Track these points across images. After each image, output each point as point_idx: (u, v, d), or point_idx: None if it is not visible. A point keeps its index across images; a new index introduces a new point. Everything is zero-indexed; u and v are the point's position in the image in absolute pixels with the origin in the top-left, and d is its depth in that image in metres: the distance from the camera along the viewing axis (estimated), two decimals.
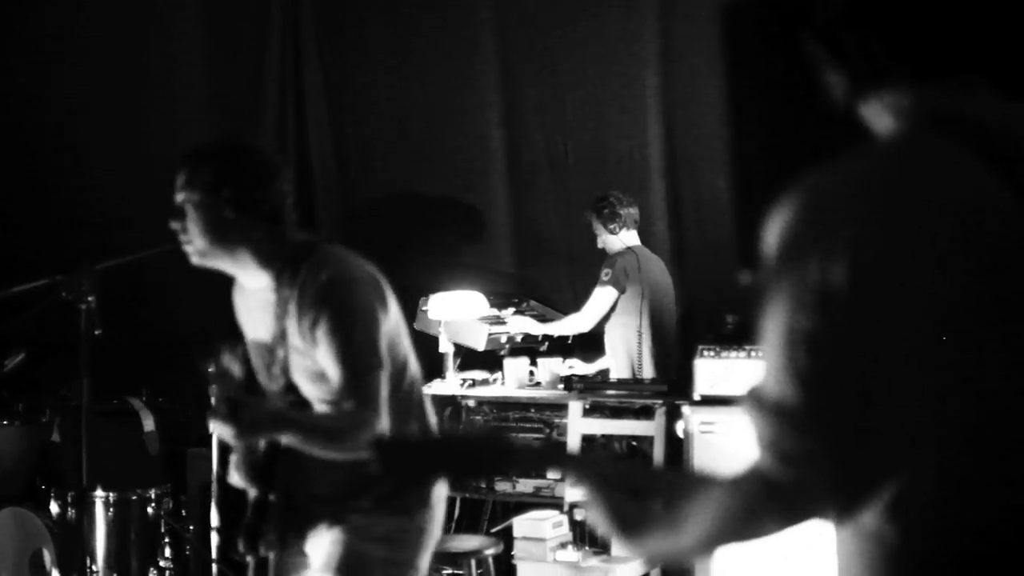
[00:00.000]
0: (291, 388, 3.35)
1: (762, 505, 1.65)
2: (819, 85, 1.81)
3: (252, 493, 3.36)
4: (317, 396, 3.36)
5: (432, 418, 3.62)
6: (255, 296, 3.49)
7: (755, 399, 1.65)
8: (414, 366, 3.53)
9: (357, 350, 3.25)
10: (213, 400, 3.24)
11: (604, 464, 2.16)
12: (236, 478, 3.48)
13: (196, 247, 3.40)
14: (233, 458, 3.51)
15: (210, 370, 3.21)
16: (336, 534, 3.46)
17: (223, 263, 3.44)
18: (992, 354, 1.57)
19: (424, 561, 3.55)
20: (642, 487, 1.85)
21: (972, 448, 1.58)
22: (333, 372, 3.26)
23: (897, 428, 1.59)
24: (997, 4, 1.71)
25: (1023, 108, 1.71)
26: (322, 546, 3.49)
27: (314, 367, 3.31)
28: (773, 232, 1.62)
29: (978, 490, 1.59)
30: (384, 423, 3.25)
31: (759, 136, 6.93)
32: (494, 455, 2.04)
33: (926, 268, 1.56)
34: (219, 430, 3.24)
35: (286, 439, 3.28)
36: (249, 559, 3.36)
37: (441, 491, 3.58)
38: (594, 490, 1.86)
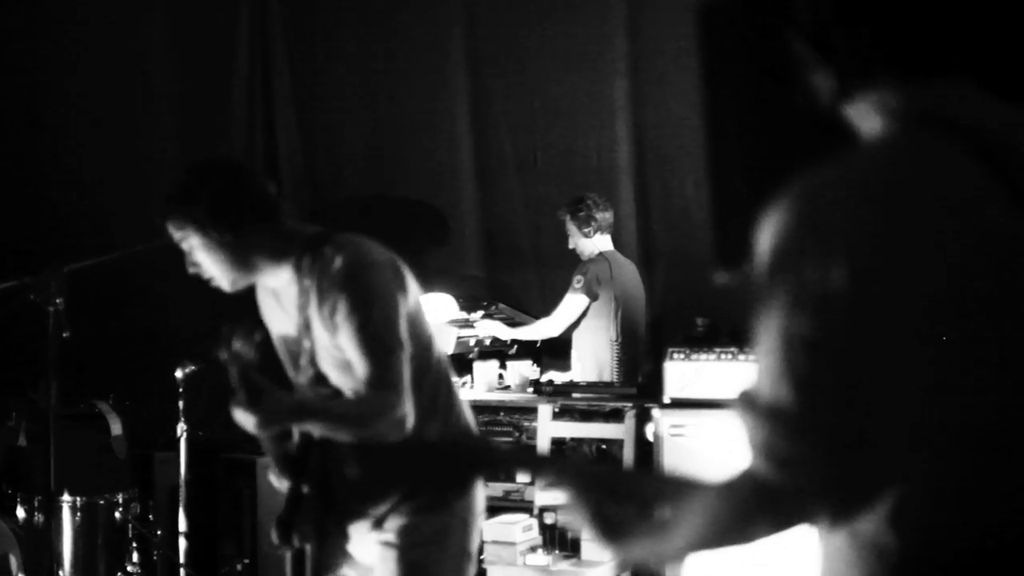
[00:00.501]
0: (320, 379, 3.34)
1: (755, 509, 1.64)
2: (794, 86, 1.80)
3: (286, 485, 3.33)
4: (347, 385, 3.34)
5: (460, 399, 3.58)
6: (277, 291, 3.49)
7: (748, 402, 1.63)
8: (439, 347, 3.52)
9: (375, 332, 3.23)
10: (233, 387, 3.22)
11: (588, 468, 2.15)
12: (274, 479, 3.48)
13: (224, 282, 3.43)
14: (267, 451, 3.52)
15: (224, 355, 3.19)
16: (383, 545, 3.44)
17: (252, 278, 3.45)
18: (991, 356, 1.56)
19: (474, 545, 3.54)
20: (627, 491, 1.84)
21: (971, 454, 1.57)
22: (354, 356, 3.25)
23: (894, 433, 1.57)
24: (988, 4, 1.71)
25: (1011, 109, 1.71)
26: (369, 552, 3.48)
27: (340, 355, 3.30)
28: (767, 235, 1.60)
29: (978, 496, 1.58)
30: (409, 405, 3.22)
31: (728, 138, 6.96)
32: (479, 459, 2.03)
33: (924, 270, 1.55)
34: (240, 418, 3.20)
35: (312, 428, 3.26)
36: (285, 552, 3.33)
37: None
38: (578, 493, 1.85)
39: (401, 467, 2.30)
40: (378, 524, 3.44)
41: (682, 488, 1.79)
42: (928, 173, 1.61)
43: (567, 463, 1.93)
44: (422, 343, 3.38)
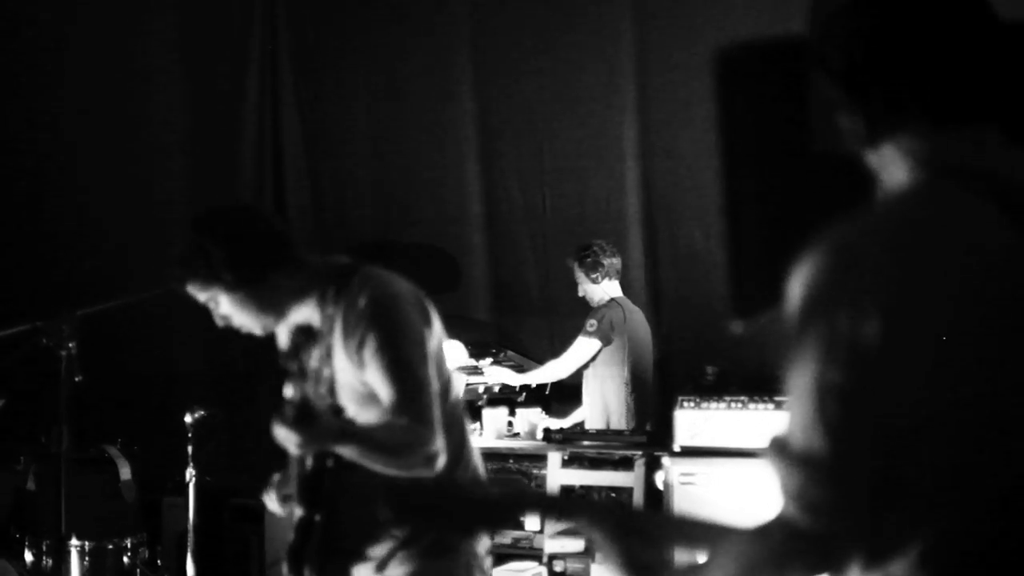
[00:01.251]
0: (337, 410, 3.28)
1: (789, 554, 1.66)
2: (815, 134, 1.82)
3: (297, 513, 3.31)
4: (364, 419, 3.29)
5: (473, 444, 3.52)
6: (298, 324, 3.44)
7: (780, 449, 1.65)
8: (456, 389, 3.48)
9: (406, 367, 3.19)
10: (284, 404, 3.20)
11: (618, 511, 2.15)
12: (271, 501, 3.44)
13: (256, 329, 3.40)
14: (273, 478, 3.47)
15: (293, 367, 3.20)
16: None
17: (279, 317, 3.40)
18: (1019, 407, 1.57)
19: None
20: (658, 534, 1.85)
21: (1001, 501, 1.58)
22: (384, 392, 3.20)
23: (926, 481, 1.59)
24: (1016, 54, 1.73)
25: None
26: None
27: (361, 389, 3.25)
28: (798, 285, 1.62)
29: (1009, 544, 1.59)
30: (441, 442, 3.18)
31: (738, 186, 6.98)
32: (506, 502, 2.02)
33: (953, 321, 1.56)
34: (283, 436, 3.14)
35: (347, 452, 3.18)
36: None
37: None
38: (608, 536, 1.86)
39: (409, 507, 2.26)
40: (380, 568, 3.38)
41: (714, 533, 1.81)
42: (956, 224, 1.62)
43: (596, 505, 1.93)
44: (443, 379, 3.34)
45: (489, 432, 6.71)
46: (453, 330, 7.22)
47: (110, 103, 7.98)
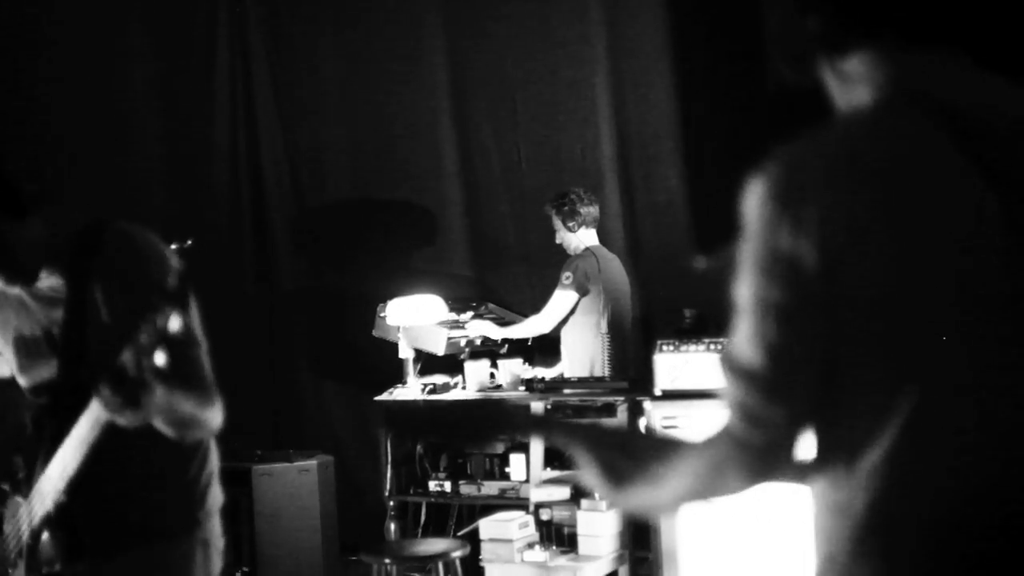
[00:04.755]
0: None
1: (728, 462, 1.71)
2: (772, 59, 1.82)
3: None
4: None
5: None
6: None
7: (727, 359, 1.70)
8: None
9: None
10: None
11: (597, 427, 2.21)
12: None
13: None
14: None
15: None
16: None
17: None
18: (953, 330, 1.60)
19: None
20: (630, 446, 1.91)
21: (935, 425, 1.62)
22: None
23: (862, 402, 1.64)
24: None
25: (1002, 85, 1.73)
26: None
27: None
28: (749, 201, 1.65)
29: (941, 465, 1.63)
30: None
31: (710, 131, 6.99)
32: (491, 415, 2.10)
33: (890, 244, 1.59)
34: None
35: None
36: None
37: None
38: (587, 448, 1.91)
39: (401, 424, 2.15)
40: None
41: (671, 445, 1.87)
42: (900, 149, 1.64)
43: (571, 423, 2.00)
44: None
45: (472, 384, 6.74)
46: (433, 285, 7.30)
47: (82, 76, 7.85)
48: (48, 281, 2.90)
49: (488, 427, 2.19)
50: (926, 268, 1.60)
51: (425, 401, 3.05)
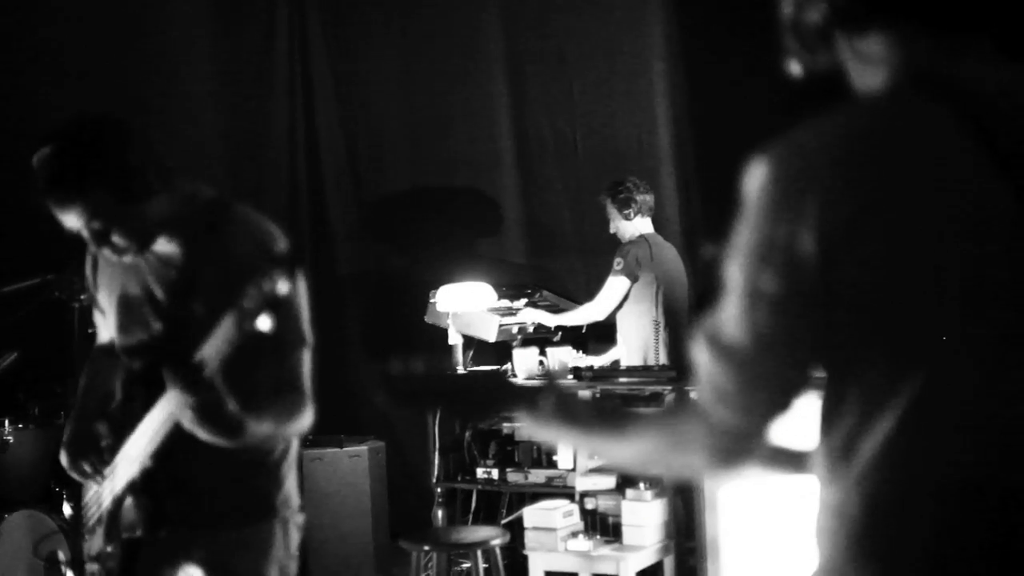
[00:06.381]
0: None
1: (693, 443, 1.69)
2: (785, 45, 1.78)
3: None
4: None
5: None
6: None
7: (711, 337, 1.66)
8: None
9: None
10: None
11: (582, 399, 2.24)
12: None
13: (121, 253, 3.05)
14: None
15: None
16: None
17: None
18: (954, 326, 1.56)
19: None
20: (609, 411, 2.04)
21: (930, 424, 1.57)
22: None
23: (860, 394, 1.60)
24: None
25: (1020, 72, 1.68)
26: None
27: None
28: (749, 183, 1.62)
29: (941, 460, 1.58)
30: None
31: (767, 118, 6.90)
32: (492, 389, 2.11)
33: (891, 237, 1.54)
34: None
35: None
36: None
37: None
38: (568, 416, 1.91)
39: (402, 393, 2.12)
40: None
41: (636, 415, 1.88)
42: (906, 137, 1.59)
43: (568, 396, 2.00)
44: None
45: (520, 371, 6.71)
46: (489, 272, 7.28)
47: (135, 57, 7.88)
48: (165, 247, 3.00)
49: (487, 401, 2.18)
50: (928, 259, 1.55)
51: (426, 370, 2.94)
